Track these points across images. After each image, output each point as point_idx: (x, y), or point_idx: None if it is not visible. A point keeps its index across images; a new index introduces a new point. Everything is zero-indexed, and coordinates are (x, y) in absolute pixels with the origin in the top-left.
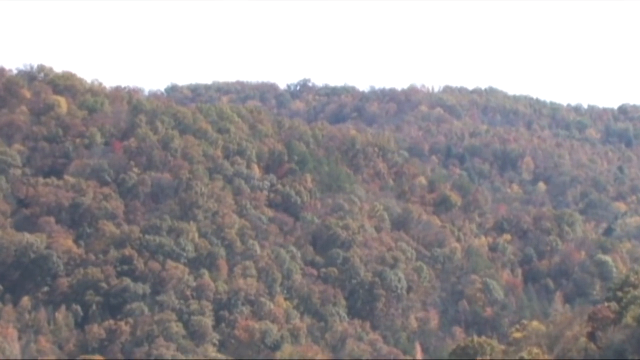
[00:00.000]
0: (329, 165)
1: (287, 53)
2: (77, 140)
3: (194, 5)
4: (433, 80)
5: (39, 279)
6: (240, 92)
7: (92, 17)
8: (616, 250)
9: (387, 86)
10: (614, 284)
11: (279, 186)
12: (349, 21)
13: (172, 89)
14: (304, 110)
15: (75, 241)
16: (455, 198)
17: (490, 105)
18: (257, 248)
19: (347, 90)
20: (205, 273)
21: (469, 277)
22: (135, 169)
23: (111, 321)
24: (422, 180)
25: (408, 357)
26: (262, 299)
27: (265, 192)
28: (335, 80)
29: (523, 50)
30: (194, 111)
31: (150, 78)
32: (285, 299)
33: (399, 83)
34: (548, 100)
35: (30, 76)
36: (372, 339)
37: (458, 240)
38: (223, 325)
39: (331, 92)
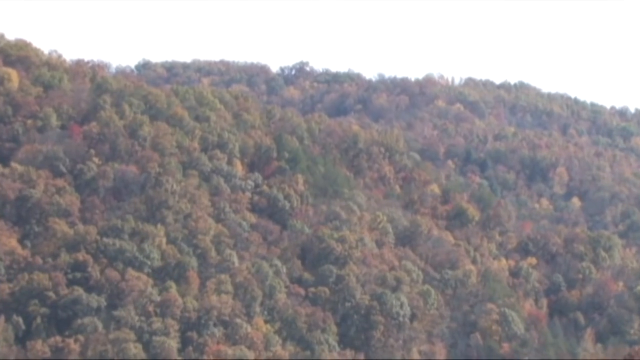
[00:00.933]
0: (325, 166)
1: (282, 30)
2: (29, 121)
3: None
4: (453, 70)
5: None
6: (225, 74)
7: None
8: None
9: (399, 75)
10: None
11: (265, 187)
12: None
13: (144, 67)
14: (298, 99)
15: (21, 241)
16: (473, 212)
17: (519, 104)
18: (235, 259)
19: (351, 78)
20: (172, 286)
21: (484, 306)
22: (96, 159)
23: (58, 338)
24: (435, 188)
25: None
26: (238, 320)
27: (248, 194)
28: (338, 65)
29: (561, 40)
30: (169, 94)
31: (118, 52)
32: (266, 321)
33: (413, 72)
34: (588, 100)
35: None
36: None
37: (474, 261)
38: (190, 348)
39: (332, 79)
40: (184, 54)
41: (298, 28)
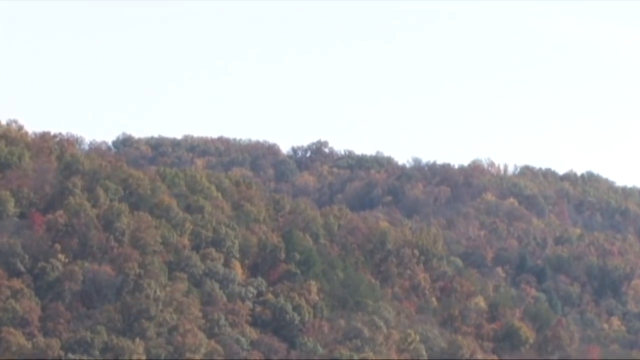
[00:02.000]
0: (345, 271)
1: (295, 102)
2: None
3: (162, 24)
4: (506, 156)
5: None
6: (223, 155)
7: (16, 37)
8: None
9: (438, 160)
10: None
11: (270, 296)
12: (385, 64)
13: (124, 143)
14: (314, 188)
15: None
16: (527, 332)
17: (587, 200)
18: None
19: (380, 163)
20: None
21: None
22: (62, 256)
23: None
24: (480, 302)
25: None
26: None
27: (249, 304)
28: (363, 146)
29: (638, 126)
30: (154, 177)
31: (92, 124)
32: None
33: (456, 157)
34: None
35: None
36: None
37: None
38: None
39: (356, 164)
40: (173, 129)
41: (314, 99)
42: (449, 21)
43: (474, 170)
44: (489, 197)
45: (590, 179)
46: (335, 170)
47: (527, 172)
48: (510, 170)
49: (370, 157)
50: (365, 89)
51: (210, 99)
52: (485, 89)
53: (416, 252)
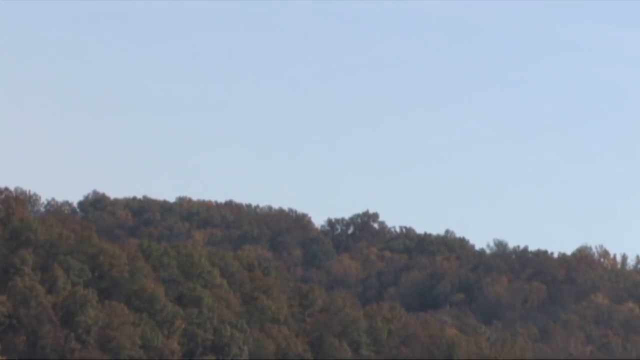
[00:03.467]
0: None
1: (333, 159)
2: None
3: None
4: (624, 244)
5: None
6: (232, 226)
7: None
8: None
9: (530, 246)
10: None
11: None
12: (451, 120)
13: (95, 204)
14: (357, 277)
15: None
16: None
17: None
18: None
19: (449, 246)
20: None
21: None
22: (3, 358)
23: None
24: None
25: None
26: None
27: None
28: (427, 222)
29: None
30: (134, 254)
31: (52, 178)
32: None
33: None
34: None
35: None
36: None
37: None
38: None
39: (416, 246)
40: (163, 188)
41: (359, 155)
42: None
43: (580, 261)
44: (600, 299)
45: None
46: (387, 253)
47: None
48: (630, 263)
49: (437, 237)
50: (429, 146)
51: (215, 148)
52: (598, 157)
53: None
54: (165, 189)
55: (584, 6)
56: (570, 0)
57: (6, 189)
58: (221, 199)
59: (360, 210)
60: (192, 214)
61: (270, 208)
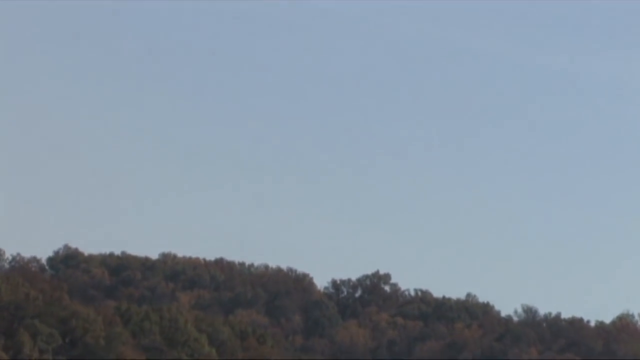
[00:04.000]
0: None
1: (339, 212)
2: None
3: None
4: None
5: None
6: (223, 287)
7: None
8: None
9: (563, 313)
10: None
11: None
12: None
13: (66, 261)
14: (365, 346)
15: None
16: None
17: None
18: None
19: (471, 312)
20: None
21: None
22: None
23: None
24: None
25: None
26: None
27: None
28: (445, 285)
29: None
30: (111, 318)
31: (18, 231)
32: None
33: (592, 309)
34: None
35: None
36: None
37: None
38: None
39: (433, 312)
40: (144, 243)
41: (368, 209)
42: None
43: (621, 331)
44: None
45: None
46: (400, 320)
47: None
48: None
49: (457, 302)
50: (449, 198)
51: (203, 197)
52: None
53: None
54: (146, 244)
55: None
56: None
57: None
58: (210, 256)
59: (369, 270)
60: (177, 273)
61: (266, 267)
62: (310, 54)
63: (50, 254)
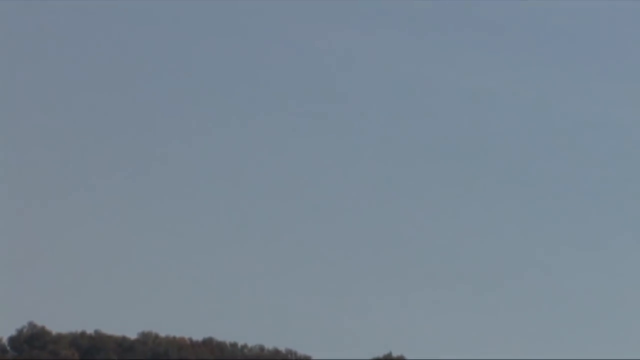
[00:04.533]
0: None
1: (345, 283)
2: None
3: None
4: None
5: None
6: None
7: None
8: None
9: None
10: None
11: None
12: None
13: (32, 340)
14: None
15: None
16: None
17: None
18: None
19: None
20: None
21: None
22: None
23: None
24: None
25: None
26: None
27: None
28: None
29: None
30: None
31: None
32: None
33: None
34: None
35: None
36: None
37: None
38: None
39: None
40: (120, 319)
41: (382, 286)
42: None
43: None
44: None
45: None
46: None
47: None
48: None
49: None
50: (464, 272)
51: (187, 267)
52: None
53: None
54: (123, 322)
55: None
56: None
57: None
58: (197, 335)
59: (380, 353)
60: (159, 355)
61: (261, 348)
62: None
63: (13, 332)
